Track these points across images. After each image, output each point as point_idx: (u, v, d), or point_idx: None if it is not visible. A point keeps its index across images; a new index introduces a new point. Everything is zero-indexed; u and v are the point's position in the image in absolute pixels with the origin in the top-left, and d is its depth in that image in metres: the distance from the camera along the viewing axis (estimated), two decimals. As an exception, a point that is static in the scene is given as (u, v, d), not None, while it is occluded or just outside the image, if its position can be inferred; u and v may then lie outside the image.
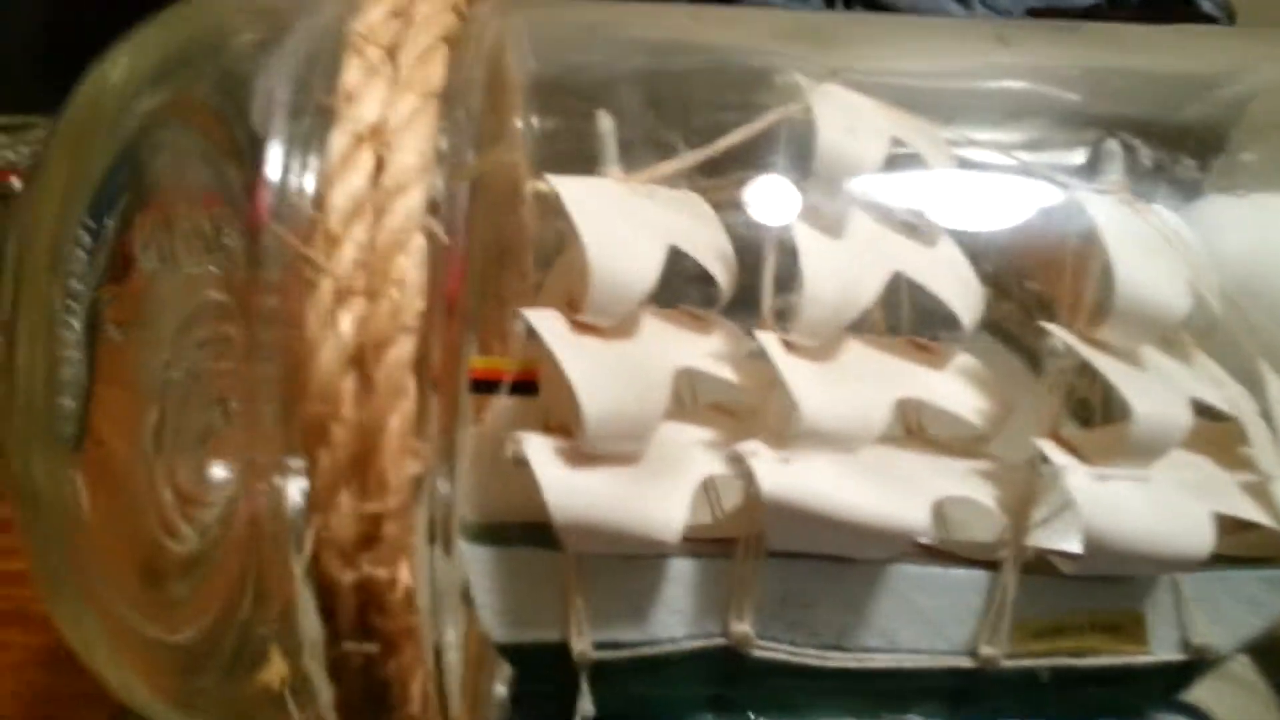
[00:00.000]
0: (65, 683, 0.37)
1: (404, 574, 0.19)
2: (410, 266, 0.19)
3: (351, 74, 0.21)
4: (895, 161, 0.30)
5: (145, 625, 0.27)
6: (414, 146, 0.20)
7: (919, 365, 0.30)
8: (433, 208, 0.20)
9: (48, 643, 0.38)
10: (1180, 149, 0.35)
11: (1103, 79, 0.32)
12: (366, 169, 0.20)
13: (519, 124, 0.34)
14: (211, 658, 0.26)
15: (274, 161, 0.21)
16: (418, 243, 0.20)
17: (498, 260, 0.36)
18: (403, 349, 0.19)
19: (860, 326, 0.30)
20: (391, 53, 0.21)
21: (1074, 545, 0.26)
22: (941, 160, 0.30)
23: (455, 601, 0.25)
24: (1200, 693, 0.31)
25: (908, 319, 0.31)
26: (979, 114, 0.34)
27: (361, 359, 0.19)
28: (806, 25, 0.30)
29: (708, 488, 0.30)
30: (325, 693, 0.21)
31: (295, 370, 0.19)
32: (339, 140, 0.20)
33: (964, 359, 0.30)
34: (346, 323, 0.19)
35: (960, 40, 0.32)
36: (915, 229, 0.30)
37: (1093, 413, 0.29)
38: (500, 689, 0.31)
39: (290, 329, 0.19)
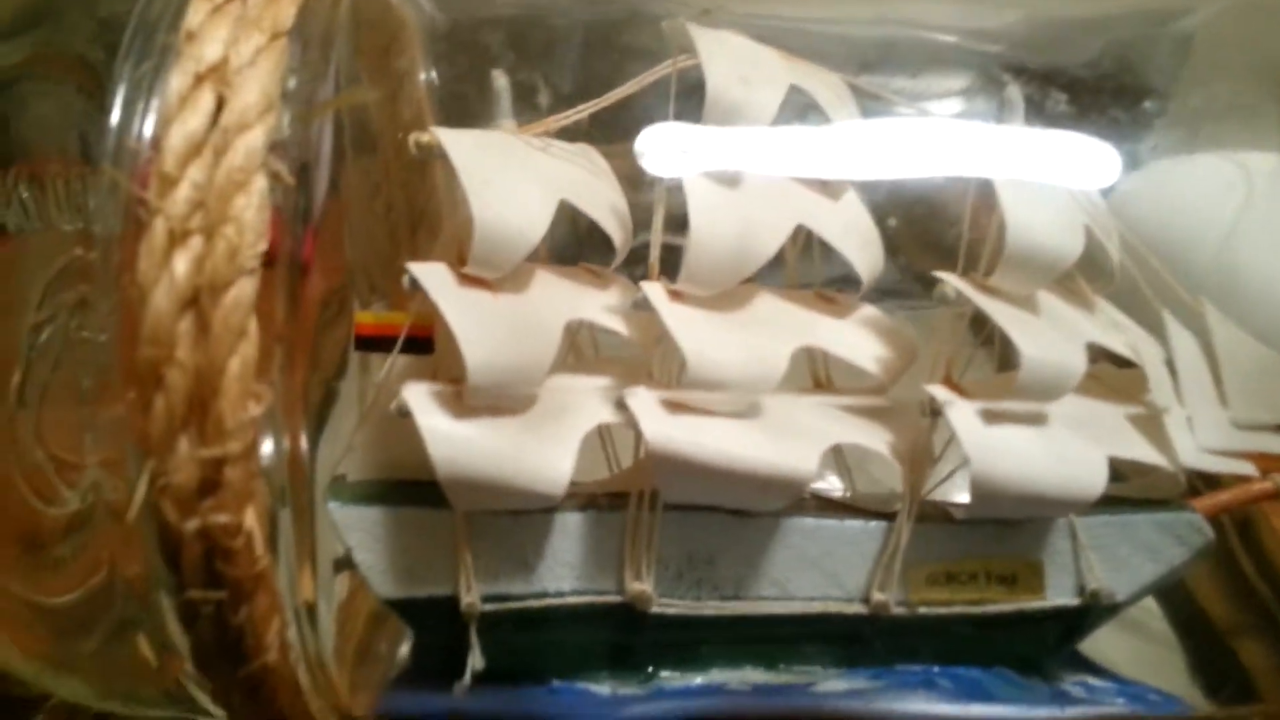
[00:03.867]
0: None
1: (249, 520, 0.19)
2: (249, 206, 0.19)
3: (195, 14, 0.20)
4: (800, 111, 0.30)
5: (23, 590, 0.26)
6: (257, 86, 0.20)
7: (822, 315, 0.30)
8: (276, 148, 0.19)
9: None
10: (1104, 93, 0.35)
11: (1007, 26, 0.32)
12: (206, 109, 0.19)
13: (421, 73, 0.34)
14: (93, 622, 0.26)
15: (117, 105, 0.21)
16: (258, 183, 0.19)
17: (411, 223, 0.36)
18: (242, 290, 0.19)
19: (773, 279, 0.30)
20: (242, -7, 0.21)
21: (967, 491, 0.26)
22: (845, 111, 0.30)
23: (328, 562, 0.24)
24: (1105, 645, 0.31)
25: (819, 271, 0.31)
26: (888, 64, 0.34)
27: (198, 301, 0.18)
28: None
29: (605, 442, 0.30)
30: (183, 643, 0.21)
31: (130, 315, 0.19)
32: (178, 80, 0.20)
33: (867, 310, 0.30)
34: (182, 263, 0.18)
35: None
36: (821, 182, 0.30)
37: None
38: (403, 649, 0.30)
39: (125, 273, 0.19)
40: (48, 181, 0.25)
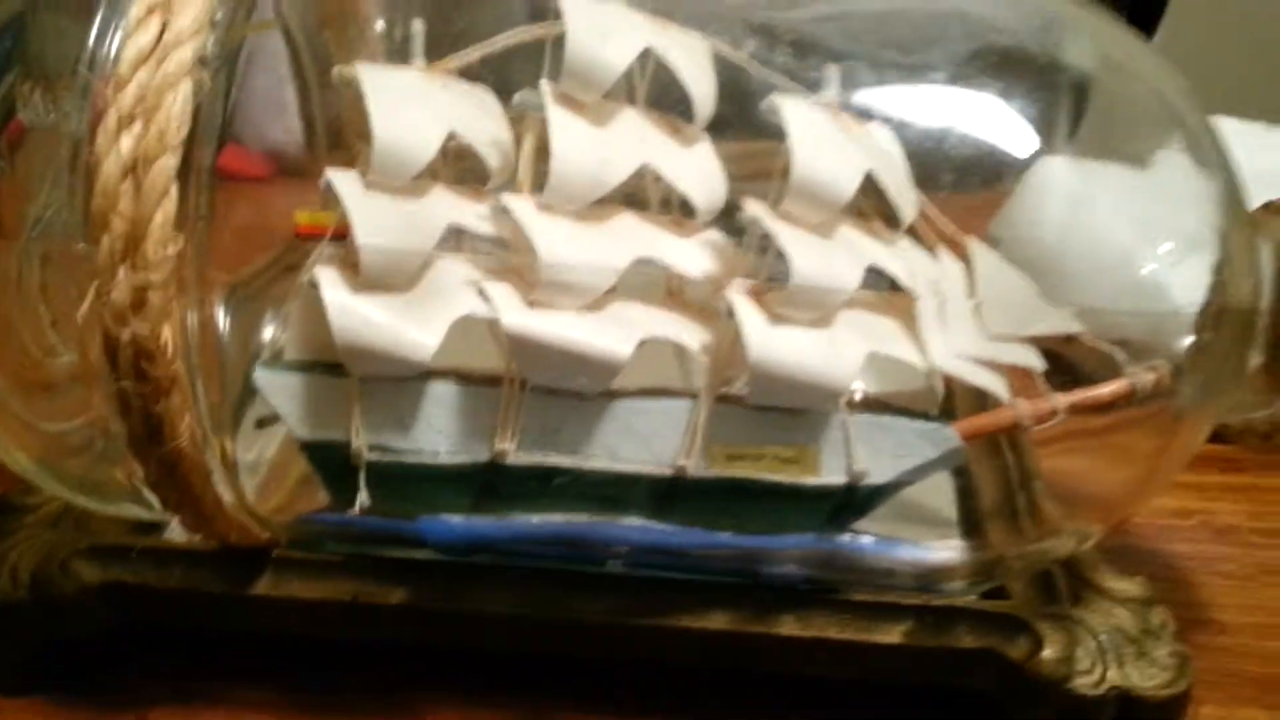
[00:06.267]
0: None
1: (166, 332, 0.26)
2: (177, 101, 0.26)
3: (149, -39, 0.27)
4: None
5: (29, 416, 0.33)
6: (190, 14, 0.27)
7: (669, 234, 0.36)
8: (202, 61, 0.26)
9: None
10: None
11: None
12: (154, 31, 0.26)
13: (377, 23, 0.41)
14: (78, 449, 0.33)
15: (95, 26, 0.28)
16: (185, 85, 0.26)
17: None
18: (167, 162, 0.26)
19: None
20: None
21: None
22: (698, 71, 0.37)
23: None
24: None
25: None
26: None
27: (135, 168, 0.26)
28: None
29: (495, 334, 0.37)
30: (120, 432, 0.28)
31: (88, 177, 0.26)
32: (134, 10, 0.27)
33: (710, 234, 0.37)
34: (126, 141, 0.26)
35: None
36: (675, 128, 0.37)
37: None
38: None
39: (88, 148, 0.26)
40: (57, 89, 0.32)
